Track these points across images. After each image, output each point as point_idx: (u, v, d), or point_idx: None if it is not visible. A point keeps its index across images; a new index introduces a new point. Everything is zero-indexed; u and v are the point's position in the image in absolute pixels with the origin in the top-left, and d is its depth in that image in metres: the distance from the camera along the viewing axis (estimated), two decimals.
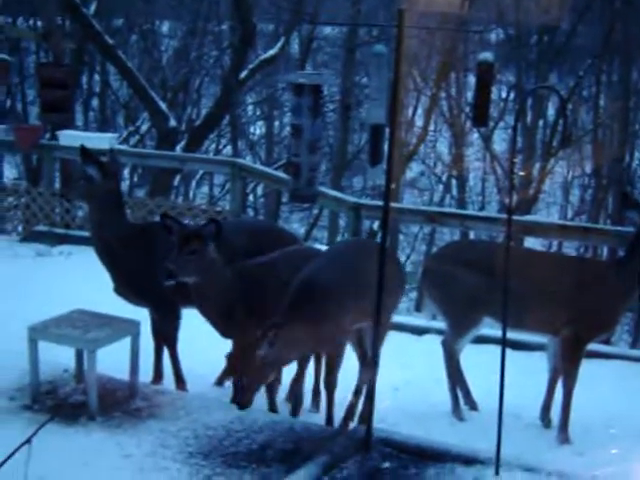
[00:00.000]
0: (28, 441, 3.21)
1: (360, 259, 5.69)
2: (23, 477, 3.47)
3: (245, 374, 5.16)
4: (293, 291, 5.33)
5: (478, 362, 6.74)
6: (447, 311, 6.45)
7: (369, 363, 5.70)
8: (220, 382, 6.47)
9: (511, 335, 5.75)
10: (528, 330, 6.32)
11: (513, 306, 5.11)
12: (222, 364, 5.85)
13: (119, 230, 6.10)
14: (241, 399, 5.17)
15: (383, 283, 4.91)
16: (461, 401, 6.48)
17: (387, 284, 5.08)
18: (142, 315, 6.02)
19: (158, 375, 6.35)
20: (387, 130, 6.44)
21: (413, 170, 21.87)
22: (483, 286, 6.09)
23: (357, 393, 5.91)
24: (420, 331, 8.06)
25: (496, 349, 6.45)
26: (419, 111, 19.17)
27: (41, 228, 11.22)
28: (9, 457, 3.13)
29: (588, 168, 18.10)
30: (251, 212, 21.47)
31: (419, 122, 18.98)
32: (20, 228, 11.64)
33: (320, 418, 5.89)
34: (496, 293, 5.19)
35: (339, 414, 5.86)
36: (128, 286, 6.12)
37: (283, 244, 6.12)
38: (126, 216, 6.43)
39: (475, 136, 20.04)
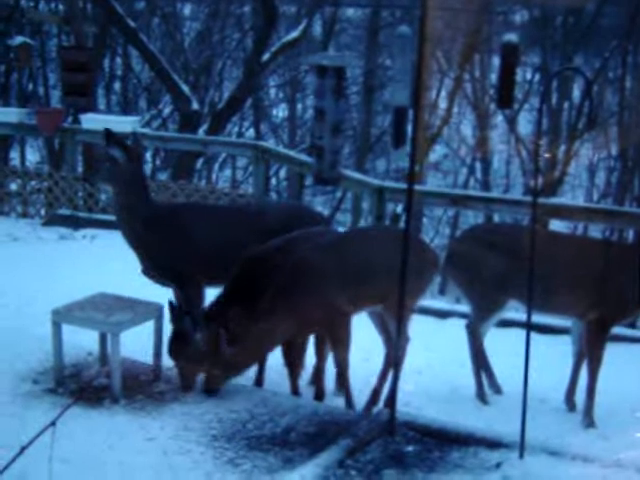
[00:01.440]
0: (53, 424, 3.21)
1: (370, 244, 5.72)
2: (48, 459, 3.47)
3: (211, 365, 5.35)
4: (283, 271, 5.39)
5: (503, 345, 6.71)
6: (472, 294, 6.41)
7: (392, 347, 5.71)
8: None
9: (536, 319, 5.75)
10: (553, 313, 6.29)
11: (538, 289, 5.08)
12: None
13: (144, 211, 6.10)
14: (206, 387, 5.43)
15: (406, 267, 4.88)
16: (485, 385, 6.45)
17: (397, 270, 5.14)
18: (166, 298, 6.02)
19: None
20: (411, 112, 6.41)
21: (437, 152, 21.77)
22: (508, 269, 6.06)
23: (382, 377, 5.90)
24: (443, 314, 8.05)
25: (521, 332, 6.42)
26: (443, 93, 19.06)
27: (64, 212, 11.27)
28: (34, 439, 3.13)
29: (614, 150, 17.95)
30: (274, 195, 21.46)
31: (443, 104, 18.88)
32: (43, 212, 11.69)
33: (344, 401, 5.88)
34: (521, 276, 5.15)
35: (363, 398, 5.86)
36: (154, 266, 6.14)
37: (313, 225, 6.11)
38: (150, 197, 6.43)
39: (499, 118, 19.93)
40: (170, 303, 5.54)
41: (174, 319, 5.47)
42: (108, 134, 6.05)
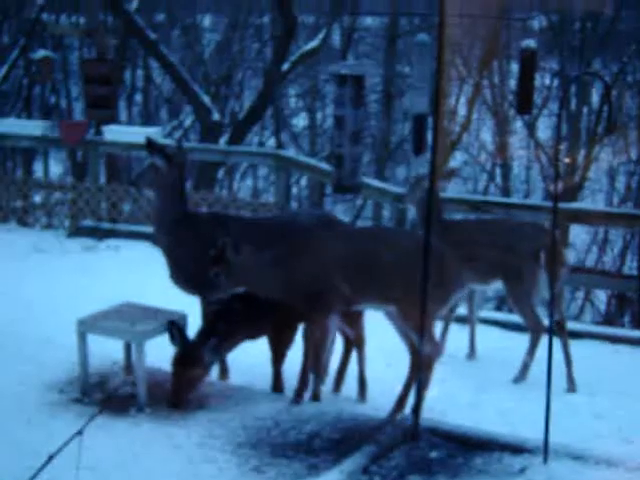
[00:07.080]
0: (79, 433, 3.25)
1: (388, 244, 5.72)
2: (75, 468, 3.52)
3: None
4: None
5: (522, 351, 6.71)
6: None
7: (414, 356, 5.70)
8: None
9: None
10: None
11: None
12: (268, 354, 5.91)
13: (176, 217, 6.14)
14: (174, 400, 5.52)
15: (428, 273, 4.91)
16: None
17: (413, 274, 5.25)
18: (191, 309, 6.06)
19: (223, 370, 6.38)
20: (430, 119, 6.43)
21: (457, 159, 21.73)
22: None
23: (407, 385, 5.81)
24: (465, 321, 8.02)
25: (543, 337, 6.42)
26: (462, 100, 19.04)
27: (88, 223, 11.35)
28: (61, 449, 3.17)
29: (634, 154, 17.87)
30: (295, 204, 21.47)
31: (462, 111, 18.86)
32: (67, 223, 11.77)
33: (367, 408, 5.90)
34: None
35: (386, 402, 5.86)
36: (180, 272, 6.17)
37: None
38: (186, 204, 6.47)
39: (519, 124, 19.88)
40: (171, 323, 5.59)
41: (173, 339, 5.57)
42: (149, 142, 6.13)
